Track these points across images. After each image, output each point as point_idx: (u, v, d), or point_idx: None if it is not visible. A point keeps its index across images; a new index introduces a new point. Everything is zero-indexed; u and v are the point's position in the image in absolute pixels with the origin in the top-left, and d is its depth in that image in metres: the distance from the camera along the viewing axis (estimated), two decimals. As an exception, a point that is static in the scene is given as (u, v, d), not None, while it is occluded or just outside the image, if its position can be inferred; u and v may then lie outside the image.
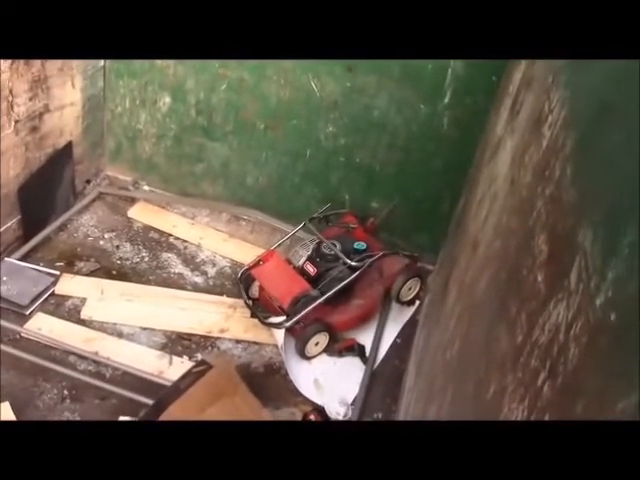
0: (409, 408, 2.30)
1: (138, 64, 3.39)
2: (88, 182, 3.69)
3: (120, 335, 2.86)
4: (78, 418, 2.47)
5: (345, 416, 2.66)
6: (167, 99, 3.44)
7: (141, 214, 3.63)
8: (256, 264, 3.02)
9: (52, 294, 2.97)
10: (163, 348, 2.84)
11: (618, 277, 0.66)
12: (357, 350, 2.97)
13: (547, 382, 0.78)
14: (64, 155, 3.33)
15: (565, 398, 0.70)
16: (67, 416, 2.47)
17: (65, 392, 2.55)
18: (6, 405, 2.38)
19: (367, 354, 2.97)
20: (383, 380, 2.90)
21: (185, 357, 2.81)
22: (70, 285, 3.04)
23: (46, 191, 3.29)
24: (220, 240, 3.56)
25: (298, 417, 2.64)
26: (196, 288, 3.23)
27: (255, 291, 3.08)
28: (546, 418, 0.73)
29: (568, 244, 0.88)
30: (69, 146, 3.36)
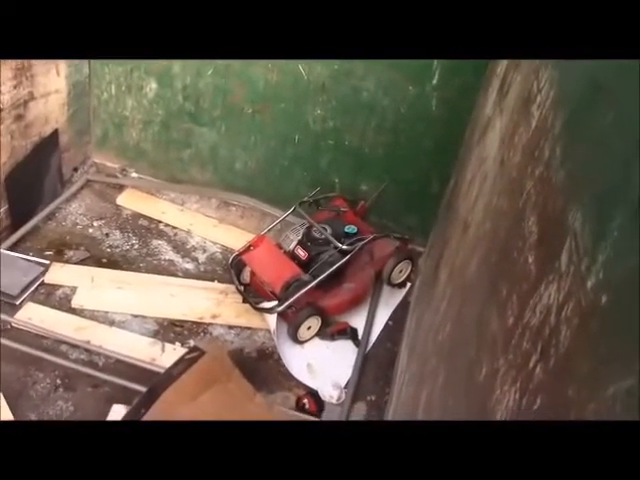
0: (402, 390, 2.31)
1: (123, 49, 3.34)
2: (75, 170, 3.66)
3: (112, 323, 2.85)
4: (72, 407, 2.46)
5: (339, 399, 2.67)
6: (153, 85, 3.40)
7: (130, 201, 3.61)
8: (247, 249, 3.01)
9: (42, 283, 2.95)
10: (155, 335, 2.84)
11: (609, 259, 0.66)
12: (349, 333, 2.98)
13: (539, 364, 0.78)
14: (50, 143, 3.30)
15: (557, 381, 0.70)
16: (60, 405, 2.46)
17: (58, 381, 2.55)
18: (-2, 395, 2.38)
19: (359, 337, 2.98)
20: (376, 363, 2.91)
21: (177, 344, 2.81)
22: (60, 274, 3.02)
23: (33, 180, 3.26)
24: (210, 226, 3.55)
25: (292, 401, 2.65)
26: (187, 274, 3.22)
27: (246, 276, 3.08)
28: (538, 401, 0.73)
29: (558, 226, 0.88)
30: (55, 134, 3.32)
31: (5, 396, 2.39)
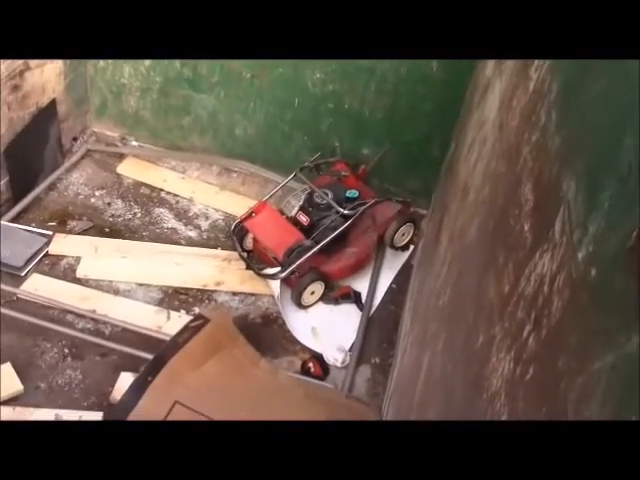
0: (405, 353, 2.33)
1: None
2: (75, 139, 3.64)
3: (116, 292, 2.87)
4: (80, 375, 2.50)
5: (343, 362, 2.70)
6: (150, 51, 3.36)
7: (131, 170, 3.60)
8: (249, 216, 3.01)
9: (46, 254, 2.97)
10: (160, 303, 2.86)
11: (599, 231, 0.66)
12: (353, 297, 3.00)
13: (532, 334, 0.78)
14: (48, 113, 3.28)
15: (548, 352, 0.70)
16: (69, 374, 2.50)
17: (66, 351, 2.58)
18: (7, 366, 2.41)
19: (363, 301, 3.00)
20: (379, 326, 2.93)
21: (182, 311, 2.83)
22: (64, 245, 3.03)
23: (33, 151, 3.25)
24: (212, 193, 3.54)
25: (297, 365, 2.68)
26: (190, 242, 3.23)
27: (249, 243, 3.09)
28: (530, 371, 0.74)
29: (553, 194, 0.87)
30: (53, 104, 3.30)
31: (15, 366, 2.42)
